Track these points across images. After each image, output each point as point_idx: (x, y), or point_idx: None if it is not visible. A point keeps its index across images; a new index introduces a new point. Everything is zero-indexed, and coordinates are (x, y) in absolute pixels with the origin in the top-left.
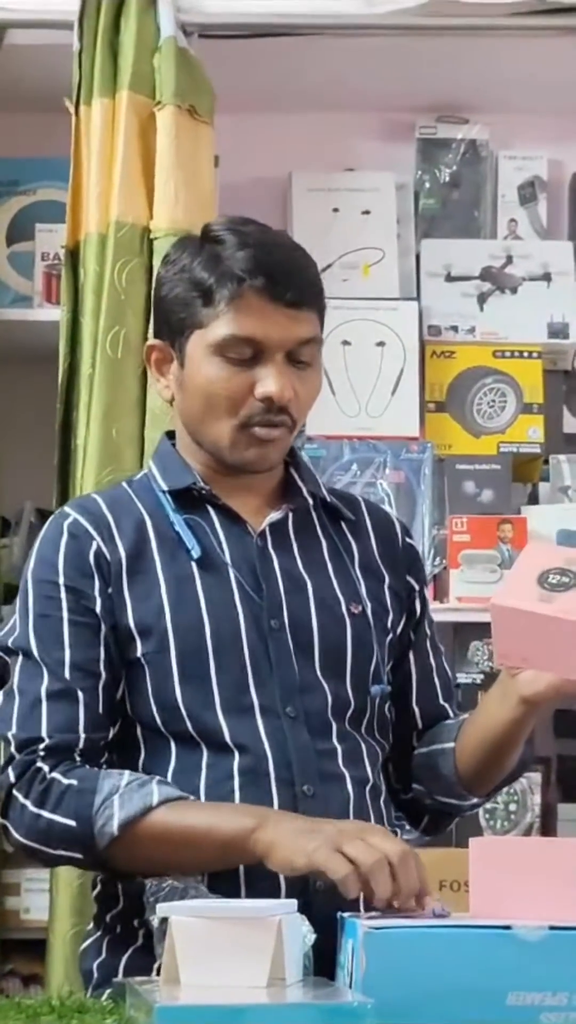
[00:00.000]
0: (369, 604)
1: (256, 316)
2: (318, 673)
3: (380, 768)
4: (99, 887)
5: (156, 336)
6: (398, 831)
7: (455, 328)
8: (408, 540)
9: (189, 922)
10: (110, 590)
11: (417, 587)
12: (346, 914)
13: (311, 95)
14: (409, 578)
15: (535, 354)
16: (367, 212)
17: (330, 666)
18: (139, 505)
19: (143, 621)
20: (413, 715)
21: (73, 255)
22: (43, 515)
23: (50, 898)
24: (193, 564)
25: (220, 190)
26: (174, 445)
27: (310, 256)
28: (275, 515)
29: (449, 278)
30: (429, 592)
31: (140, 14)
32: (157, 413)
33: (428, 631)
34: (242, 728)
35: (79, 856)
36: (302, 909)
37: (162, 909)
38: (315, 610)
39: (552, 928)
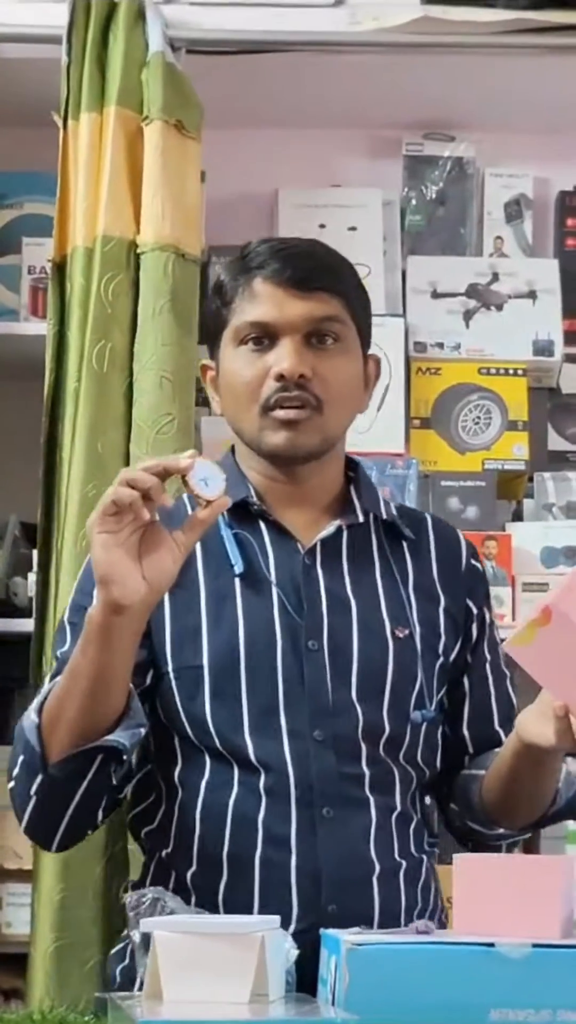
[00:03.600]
0: (418, 628)
1: (266, 301)
2: (353, 696)
3: (417, 794)
4: (129, 893)
5: (211, 358)
6: (425, 857)
7: (440, 345)
8: (473, 562)
9: (172, 937)
10: None
11: (476, 610)
12: (329, 930)
13: (298, 111)
14: (469, 601)
15: (520, 371)
16: (353, 228)
17: (367, 690)
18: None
19: (179, 635)
20: (464, 740)
21: (60, 269)
22: (27, 529)
23: (31, 912)
24: (236, 580)
25: (207, 205)
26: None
27: (334, 250)
28: (326, 532)
29: (435, 295)
30: None
31: (128, 29)
32: (142, 427)
33: (488, 655)
34: (268, 748)
35: (37, 777)
36: (313, 929)
37: (145, 924)
38: (357, 632)
39: (535, 946)
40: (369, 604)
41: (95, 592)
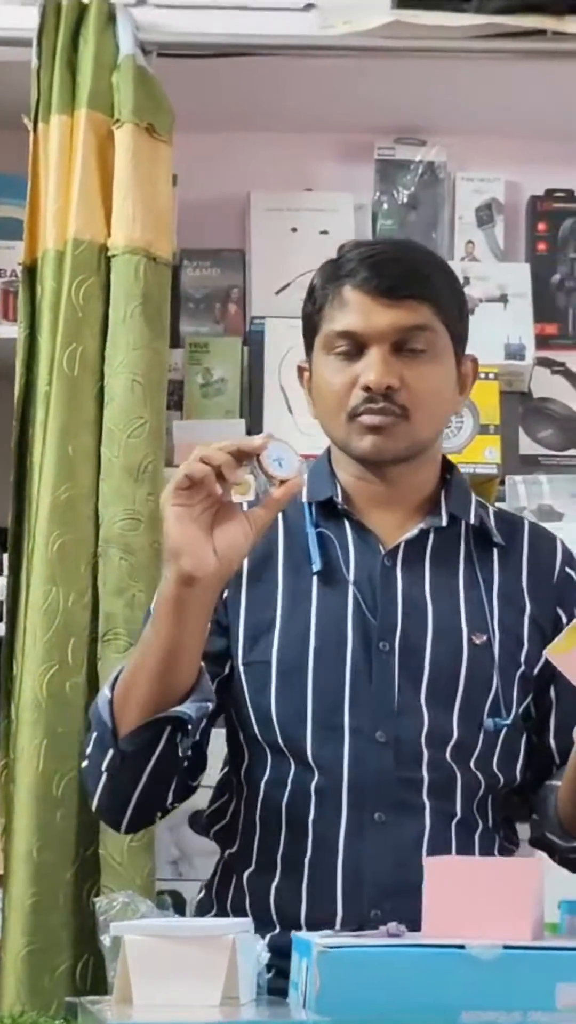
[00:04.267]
0: (498, 635)
1: (354, 310)
2: (422, 700)
3: (489, 801)
4: (202, 892)
5: (307, 357)
6: None
7: None
8: (568, 570)
9: (142, 941)
10: (225, 594)
11: (566, 619)
12: (300, 933)
13: (270, 115)
14: (559, 609)
15: (492, 375)
16: (325, 232)
17: (437, 694)
18: (280, 513)
19: (253, 629)
20: (550, 750)
21: (30, 272)
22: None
23: (2, 916)
24: (314, 578)
25: (179, 209)
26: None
27: (430, 251)
28: (409, 534)
29: None
30: None
31: (99, 32)
32: (113, 431)
33: None
34: (327, 747)
35: (108, 752)
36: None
37: (116, 928)
38: (431, 636)
39: (506, 947)
40: (447, 608)
41: (166, 568)
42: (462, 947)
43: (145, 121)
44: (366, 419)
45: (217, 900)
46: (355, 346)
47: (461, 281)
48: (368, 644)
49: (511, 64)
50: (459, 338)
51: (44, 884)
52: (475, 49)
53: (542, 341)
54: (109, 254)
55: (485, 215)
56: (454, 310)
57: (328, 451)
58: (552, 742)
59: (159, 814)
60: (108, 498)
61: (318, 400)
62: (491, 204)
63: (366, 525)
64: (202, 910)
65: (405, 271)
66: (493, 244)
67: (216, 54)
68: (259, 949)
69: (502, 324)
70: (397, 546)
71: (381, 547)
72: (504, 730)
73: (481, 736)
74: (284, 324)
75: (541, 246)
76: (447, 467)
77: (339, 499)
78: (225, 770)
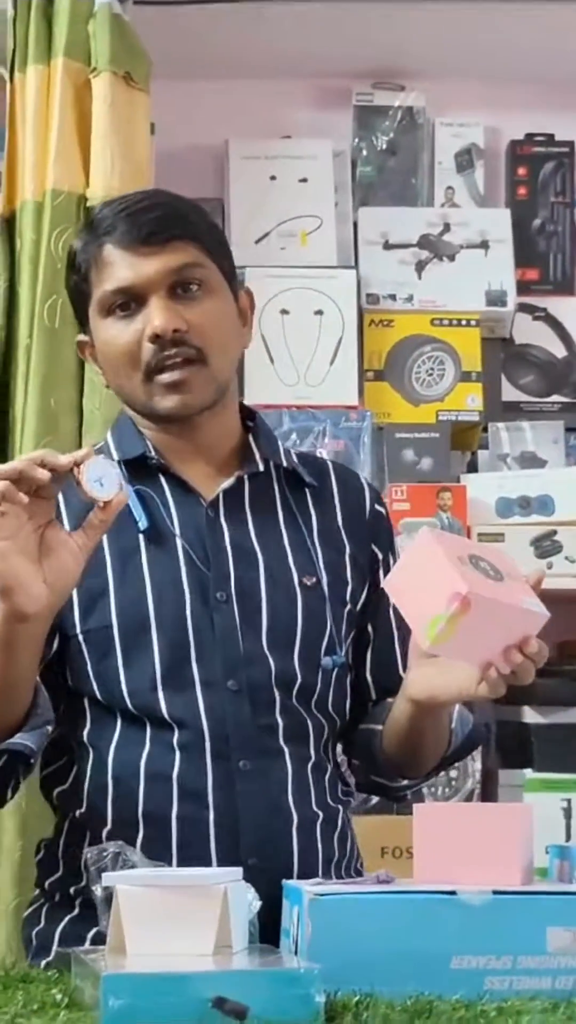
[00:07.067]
0: (325, 575)
1: (122, 265)
2: (264, 646)
3: (330, 744)
4: (41, 852)
5: (82, 332)
6: (341, 807)
7: (393, 296)
8: (377, 507)
9: (135, 891)
10: None
11: (381, 556)
12: (291, 881)
13: (247, 62)
14: (374, 547)
15: (473, 322)
16: (304, 180)
17: (278, 639)
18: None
19: (86, 596)
20: (367, 685)
21: (9, 223)
22: None
23: None
24: (140, 536)
25: (156, 158)
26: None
27: (179, 196)
28: (227, 483)
29: (387, 246)
30: None
31: None
32: (95, 382)
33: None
34: (181, 703)
35: None
36: None
37: (108, 878)
38: (264, 583)
39: (496, 892)
40: (275, 554)
41: None
42: (453, 893)
43: (122, 69)
44: (166, 377)
45: (65, 860)
46: (132, 300)
47: (442, 227)
48: (205, 596)
49: (489, 6)
50: (230, 272)
51: (33, 837)
52: None
53: (523, 287)
54: (88, 204)
55: (465, 160)
56: (218, 246)
57: (123, 413)
58: (369, 678)
59: None
60: None
61: (108, 367)
62: (471, 149)
63: (183, 479)
64: (46, 871)
65: (162, 215)
66: (473, 189)
67: (192, 0)
68: (250, 898)
69: (483, 270)
70: (217, 496)
71: (202, 499)
72: (337, 669)
73: (320, 676)
74: (264, 273)
75: (521, 191)
76: (247, 415)
77: (152, 455)
78: (55, 729)
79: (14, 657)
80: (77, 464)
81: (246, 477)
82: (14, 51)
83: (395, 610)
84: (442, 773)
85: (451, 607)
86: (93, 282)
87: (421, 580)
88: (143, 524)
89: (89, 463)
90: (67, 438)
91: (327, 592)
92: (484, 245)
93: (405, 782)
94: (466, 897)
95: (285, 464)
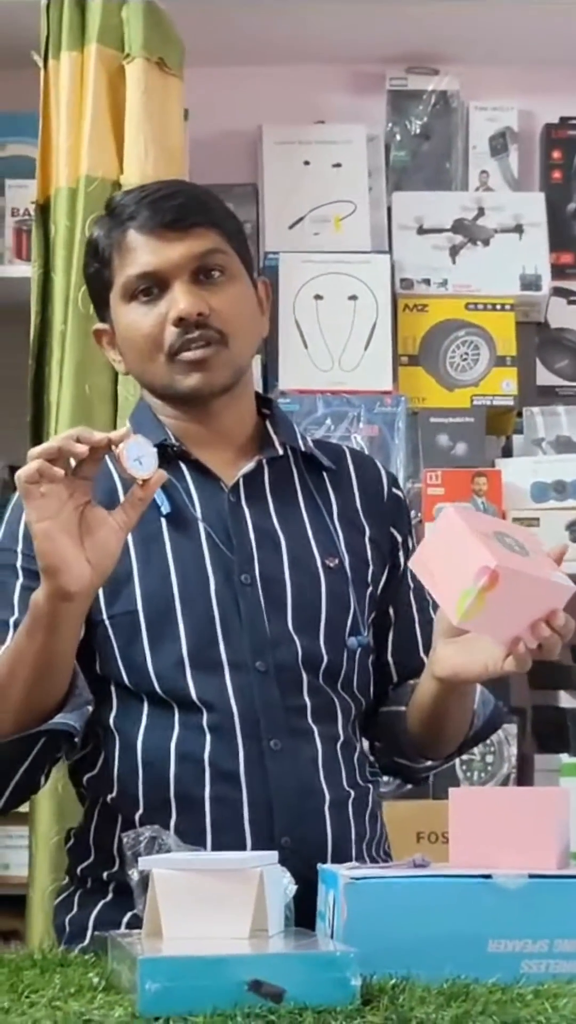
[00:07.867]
0: (347, 557)
1: (145, 250)
2: (290, 628)
3: (357, 724)
4: (72, 840)
5: (100, 320)
6: (371, 786)
7: (427, 281)
8: (395, 491)
9: (171, 875)
10: None
11: (400, 539)
12: (326, 865)
13: (281, 48)
14: (393, 530)
15: (508, 306)
16: (338, 165)
17: (303, 621)
18: (111, 466)
19: (111, 582)
20: (388, 667)
21: (43, 210)
22: (15, 472)
23: (29, 854)
24: (163, 521)
25: (190, 144)
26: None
27: (198, 185)
28: (247, 468)
29: (421, 230)
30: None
31: None
32: None
33: (412, 583)
34: (209, 685)
35: None
36: None
37: (144, 862)
38: (288, 565)
39: (532, 876)
40: (297, 536)
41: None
42: (488, 876)
43: (156, 55)
44: (188, 355)
45: (96, 846)
46: (156, 285)
47: (476, 212)
48: (230, 578)
49: None
50: (248, 261)
51: (70, 821)
52: None
53: (558, 271)
54: (122, 190)
55: (499, 144)
56: (237, 234)
57: (143, 401)
58: (391, 659)
59: (32, 795)
60: None
61: (129, 352)
62: (505, 133)
63: (204, 464)
64: (78, 857)
65: (184, 202)
66: (507, 173)
67: None
68: (286, 882)
69: (517, 254)
70: (238, 481)
71: (223, 484)
72: (361, 650)
73: (345, 656)
74: (298, 258)
75: (556, 174)
76: (262, 402)
77: (172, 441)
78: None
79: (58, 635)
80: (113, 442)
81: (265, 461)
82: (48, 38)
83: (415, 593)
84: (477, 757)
85: (480, 581)
86: (116, 268)
87: (448, 557)
88: (166, 509)
89: (129, 442)
90: (102, 425)
91: (350, 573)
92: (518, 229)
93: (428, 763)
94: (502, 881)
95: (303, 448)
